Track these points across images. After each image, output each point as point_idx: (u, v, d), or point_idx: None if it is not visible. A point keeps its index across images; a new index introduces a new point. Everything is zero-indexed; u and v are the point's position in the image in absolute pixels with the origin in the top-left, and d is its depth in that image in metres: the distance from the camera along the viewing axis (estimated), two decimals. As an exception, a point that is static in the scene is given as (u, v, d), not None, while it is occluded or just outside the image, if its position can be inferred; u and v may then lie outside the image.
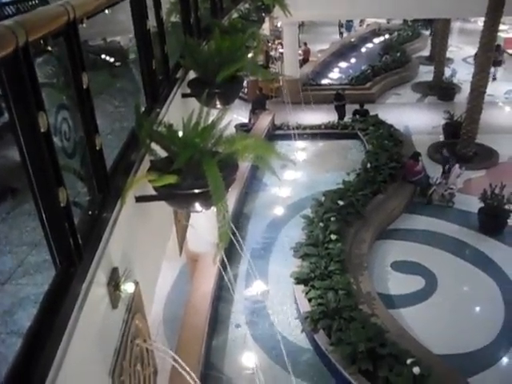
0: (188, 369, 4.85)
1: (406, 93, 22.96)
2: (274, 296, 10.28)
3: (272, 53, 24.32)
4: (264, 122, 18.03)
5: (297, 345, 9.03)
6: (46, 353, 2.32)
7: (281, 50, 23.96)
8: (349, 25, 34.25)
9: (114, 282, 3.29)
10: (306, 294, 9.54)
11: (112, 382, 3.09)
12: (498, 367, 8.57)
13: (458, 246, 11.72)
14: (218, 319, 9.74)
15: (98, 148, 3.31)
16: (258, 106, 18.98)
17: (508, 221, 12.06)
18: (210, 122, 4.17)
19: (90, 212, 3.26)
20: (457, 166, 13.79)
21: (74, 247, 2.78)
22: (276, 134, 18.11)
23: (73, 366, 2.52)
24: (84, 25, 3.19)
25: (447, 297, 10.21)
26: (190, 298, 9.49)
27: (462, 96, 19.82)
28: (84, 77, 3.06)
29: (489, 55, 15.01)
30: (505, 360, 8.70)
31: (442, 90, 21.74)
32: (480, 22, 25.05)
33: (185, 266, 10.79)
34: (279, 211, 13.38)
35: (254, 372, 8.39)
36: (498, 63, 22.12)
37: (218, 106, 6.62)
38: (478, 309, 10.06)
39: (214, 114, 4.33)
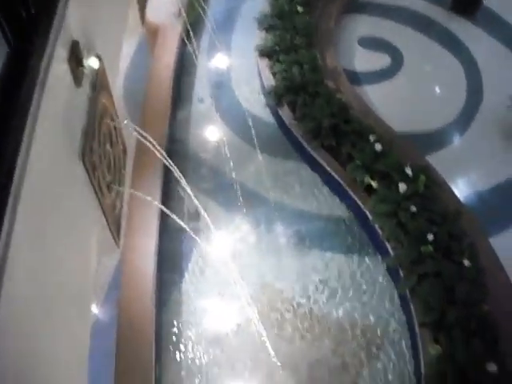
0: (156, 145, 4.78)
1: None
2: (238, 70, 9.98)
3: None
4: None
5: (261, 119, 8.98)
6: (12, 139, 2.11)
7: None
8: None
9: (75, 58, 2.98)
10: (271, 68, 9.27)
11: (83, 164, 2.96)
12: (452, 147, 8.82)
13: (427, 25, 11.25)
14: (180, 93, 9.51)
15: None
16: None
17: (483, 1, 11.48)
18: None
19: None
20: None
21: (26, 20, 2.42)
22: None
23: (41, 152, 2.33)
24: None
25: (412, 76, 10.10)
26: (152, 72, 9.14)
27: None
28: None
29: None
30: (460, 141, 8.93)
31: None
32: None
33: (143, 39, 10.22)
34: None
35: (218, 145, 8.49)
36: None
37: None
38: (440, 90, 10.02)
39: None
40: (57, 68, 2.68)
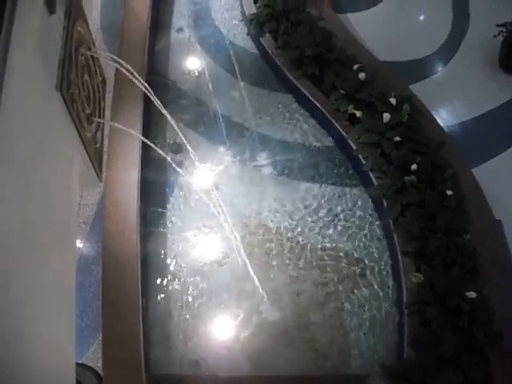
0: (136, 75, 4.65)
1: None
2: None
3: None
4: None
5: (242, 48, 8.76)
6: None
7: None
8: None
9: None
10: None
11: (61, 96, 2.85)
12: (437, 77, 8.72)
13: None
14: (159, 23, 9.20)
15: None
16: None
17: None
18: None
19: None
20: None
21: None
22: None
23: (15, 85, 2.23)
24: None
25: (397, 3, 9.83)
26: (128, 3, 8.78)
27: None
28: None
29: None
30: (444, 70, 8.81)
31: None
32: None
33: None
34: None
35: (199, 75, 8.31)
36: None
37: None
38: (426, 18, 9.79)
39: None
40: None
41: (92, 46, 3.60)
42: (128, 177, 6.57)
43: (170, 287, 6.36)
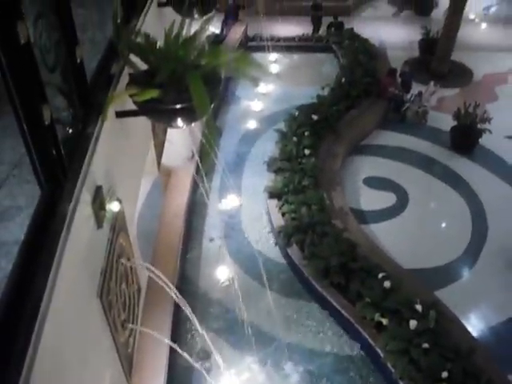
0: (170, 284, 4.90)
1: (382, 6, 22.39)
2: (248, 210, 10.31)
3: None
4: (236, 32, 17.48)
5: (270, 258, 9.15)
6: (38, 279, 2.26)
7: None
8: None
9: (98, 201, 3.20)
10: (280, 208, 9.60)
11: (101, 302, 3.07)
12: (462, 282, 8.87)
13: (429, 163, 11.85)
14: (191, 233, 9.76)
15: (78, 60, 3.12)
16: (230, 16, 18.31)
17: (479, 140, 12.16)
18: (191, 33, 3.97)
19: (72, 129, 3.11)
20: (431, 83, 13.73)
21: (59, 166, 2.66)
22: (249, 45, 17.58)
23: (64, 290, 2.47)
24: None
25: (417, 213, 10.40)
26: (164, 212, 9.47)
27: (439, 11, 19.56)
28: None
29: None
30: (469, 275, 9.00)
31: (419, 4, 21.22)
32: None
33: (157, 180, 10.67)
34: (252, 125, 13.24)
35: (229, 284, 8.55)
36: None
37: (195, 15, 6.32)
38: (446, 225, 10.27)
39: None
40: (82, 211, 2.88)
41: (131, 257, 3.91)
42: (154, 382, 6.51)
43: None
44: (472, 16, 19.98)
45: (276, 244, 9.34)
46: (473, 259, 9.27)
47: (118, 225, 3.55)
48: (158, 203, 10.00)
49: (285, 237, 8.89)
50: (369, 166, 11.81)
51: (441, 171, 11.63)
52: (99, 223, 3.20)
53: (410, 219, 10.24)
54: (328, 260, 8.00)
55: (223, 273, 8.76)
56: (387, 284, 7.47)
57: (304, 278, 8.37)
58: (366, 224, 9.96)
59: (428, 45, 16.66)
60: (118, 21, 3.98)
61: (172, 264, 8.25)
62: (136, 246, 9.04)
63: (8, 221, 2.70)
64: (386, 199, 10.69)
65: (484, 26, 19.87)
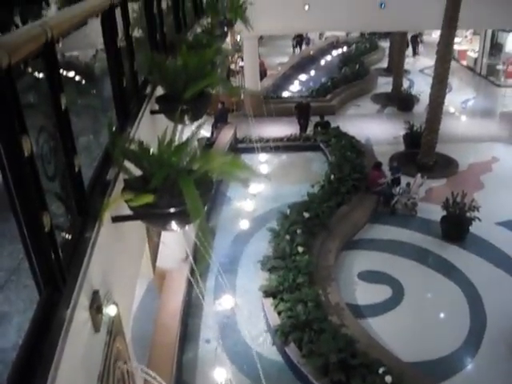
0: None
1: (366, 104, 23.38)
2: (243, 310, 10.24)
3: (232, 66, 24.35)
4: (226, 135, 18.06)
5: (268, 358, 9.01)
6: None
7: (241, 64, 24.03)
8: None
9: (95, 306, 3.24)
10: (275, 307, 9.55)
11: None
12: (465, 372, 8.72)
13: (422, 254, 11.96)
14: (187, 335, 9.64)
15: (76, 169, 3.26)
16: (220, 119, 18.99)
17: (469, 228, 12.34)
18: (183, 139, 4.16)
19: (70, 235, 3.20)
20: (418, 175, 14.09)
21: (58, 271, 2.73)
22: (238, 147, 18.15)
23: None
24: (60, 44, 3.16)
25: (414, 304, 10.37)
26: (159, 315, 9.40)
27: (421, 106, 20.46)
28: (62, 98, 3.03)
29: (446, 67, 15.32)
30: (472, 364, 8.86)
31: (401, 101, 22.24)
32: (434, 34, 26.03)
33: (152, 283, 10.66)
34: (245, 225, 13.38)
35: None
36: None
37: (187, 121, 6.58)
38: (444, 315, 10.23)
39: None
40: (79, 315, 2.91)
41: (128, 361, 3.88)
42: None
43: None
44: (452, 110, 20.88)
45: (273, 343, 9.22)
46: (475, 347, 9.17)
47: (115, 328, 3.56)
48: (152, 306, 9.94)
49: (282, 335, 8.79)
50: (362, 260, 11.88)
51: (434, 261, 11.72)
52: (96, 327, 3.21)
53: (407, 311, 10.19)
54: (327, 357, 7.89)
55: (220, 374, 8.57)
56: (388, 379, 7.36)
57: (303, 377, 8.20)
58: (363, 318, 9.90)
59: (412, 138, 17.30)
60: (113, 129, 4.18)
61: (168, 367, 8.11)
62: (131, 349, 8.94)
63: (5, 325, 2.75)
64: (382, 292, 10.68)
65: (464, 118, 20.71)
